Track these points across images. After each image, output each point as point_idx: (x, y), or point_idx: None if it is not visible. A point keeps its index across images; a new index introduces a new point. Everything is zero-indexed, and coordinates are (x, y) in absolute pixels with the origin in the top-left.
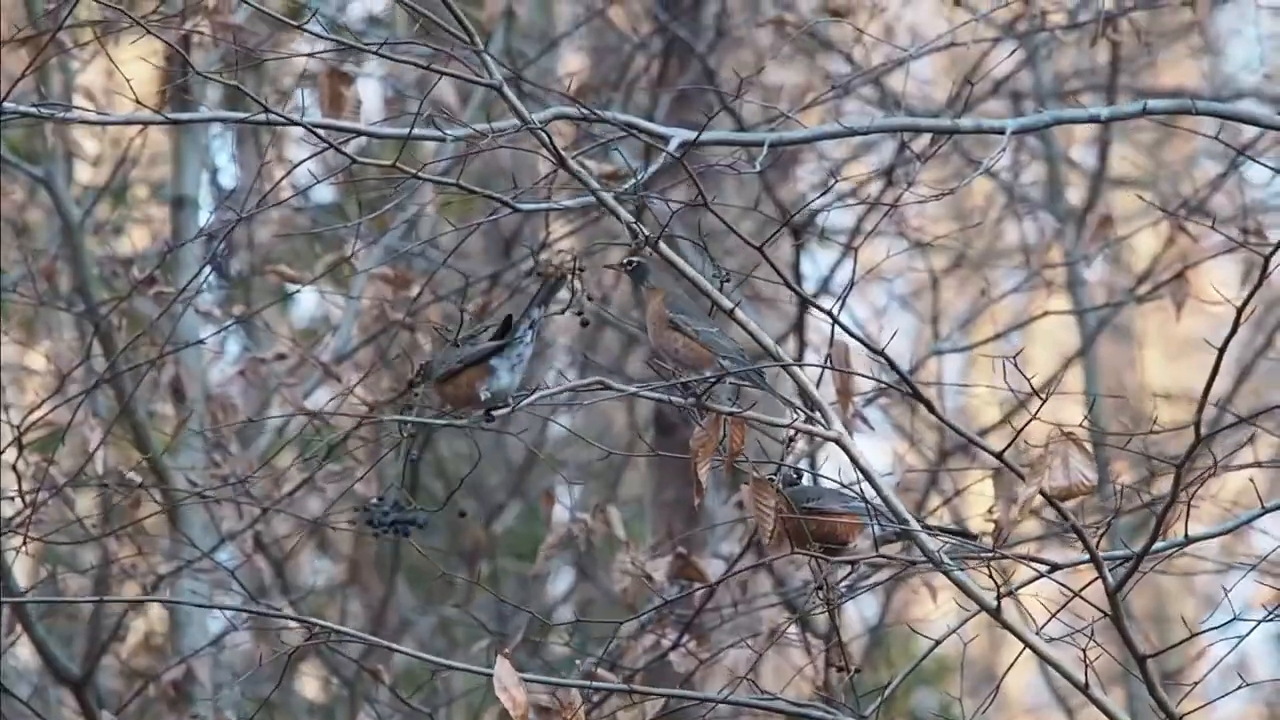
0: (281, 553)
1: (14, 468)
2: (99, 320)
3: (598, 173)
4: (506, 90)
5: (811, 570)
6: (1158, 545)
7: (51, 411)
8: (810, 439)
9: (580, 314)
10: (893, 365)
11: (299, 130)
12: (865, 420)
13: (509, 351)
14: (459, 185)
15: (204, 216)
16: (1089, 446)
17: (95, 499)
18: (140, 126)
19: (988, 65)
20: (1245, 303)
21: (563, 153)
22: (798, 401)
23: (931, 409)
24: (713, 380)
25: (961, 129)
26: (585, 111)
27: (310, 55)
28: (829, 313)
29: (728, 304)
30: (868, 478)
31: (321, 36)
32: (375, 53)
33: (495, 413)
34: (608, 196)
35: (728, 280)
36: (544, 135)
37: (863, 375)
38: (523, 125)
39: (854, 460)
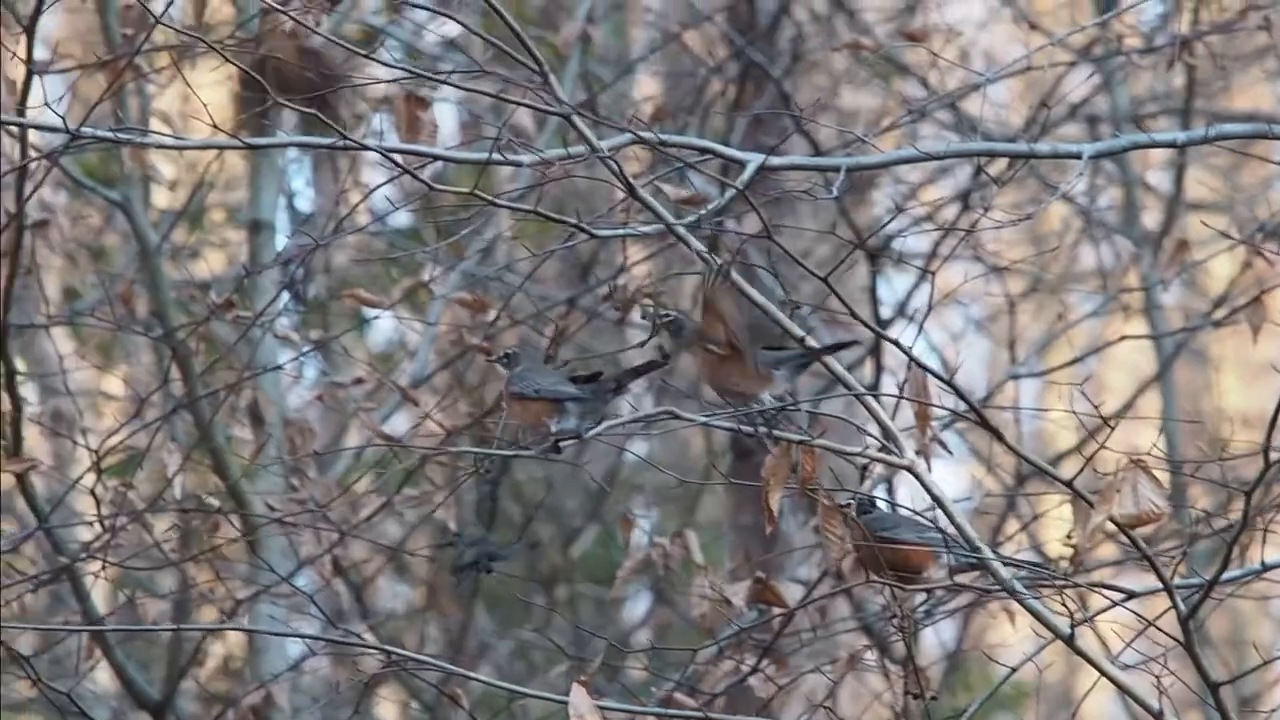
0: (360, 577)
1: (92, 492)
2: (176, 345)
3: (674, 197)
4: (576, 119)
5: (887, 598)
6: (1231, 572)
7: (130, 436)
8: (887, 466)
9: (661, 351)
10: (962, 396)
11: (376, 154)
12: (943, 445)
13: (586, 404)
14: (535, 211)
15: (281, 241)
16: (1159, 474)
17: (173, 524)
18: (217, 151)
19: (1064, 89)
20: None
21: (632, 181)
22: (873, 428)
23: (1001, 438)
24: (783, 406)
25: (1038, 154)
26: (657, 138)
27: (387, 82)
28: (899, 345)
29: (799, 332)
30: (941, 506)
31: (393, 66)
32: (446, 82)
33: (563, 444)
34: (679, 225)
35: (798, 309)
36: (613, 165)
37: (937, 406)
38: (593, 153)
39: (928, 488)
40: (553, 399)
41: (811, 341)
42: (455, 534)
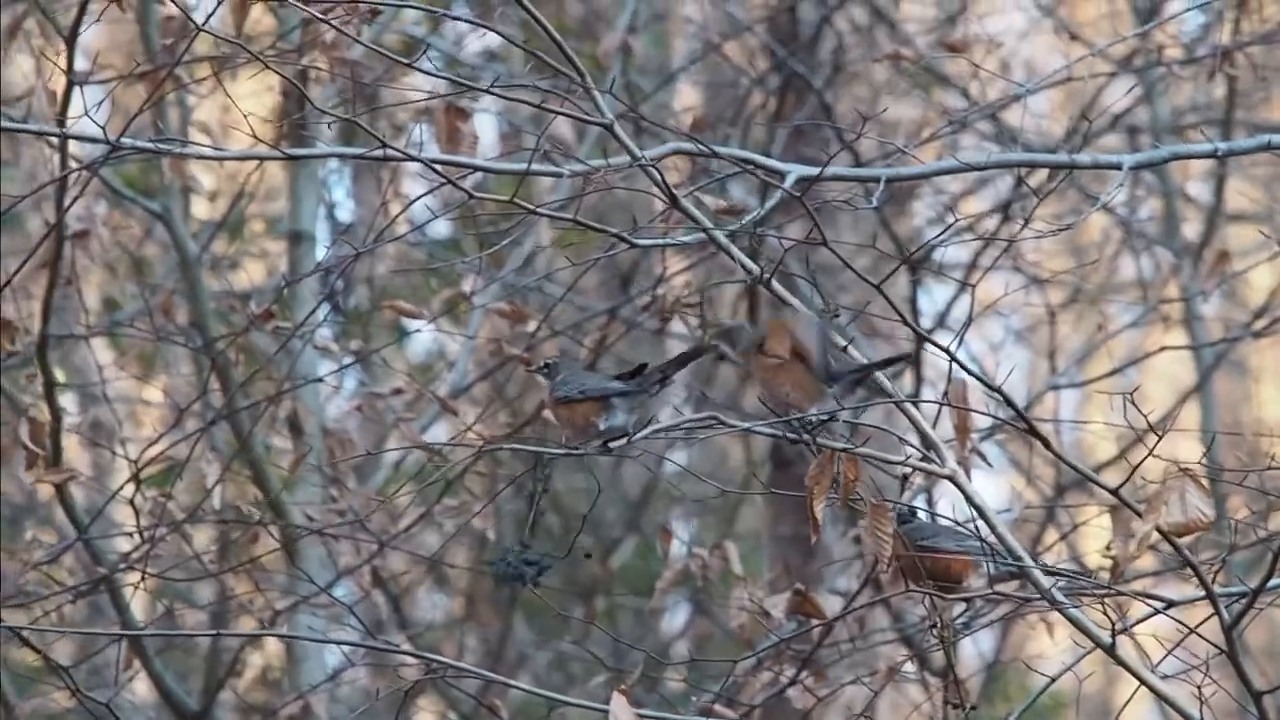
0: (399, 588)
1: (131, 503)
2: (216, 355)
3: (714, 208)
4: (618, 129)
5: (927, 607)
6: (1274, 581)
7: (169, 447)
8: (927, 475)
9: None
10: (1009, 402)
11: (416, 165)
12: (983, 456)
13: (633, 397)
14: (576, 221)
15: (321, 251)
16: (1206, 483)
17: (213, 534)
18: (257, 162)
19: (1104, 100)
20: None
21: (674, 191)
22: (913, 438)
23: (1047, 445)
24: (828, 415)
25: (1078, 164)
26: (701, 147)
27: (427, 94)
28: (946, 350)
29: (841, 341)
30: (983, 515)
31: (435, 75)
32: (488, 91)
33: (612, 444)
34: (720, 235)
35: (838, 317)
36: (655, 174)
37: (979, 412)
38: (634, 163)
39: (969, 498)
40: (599, 396)
41: (855, 353)
42: (512, 549)
